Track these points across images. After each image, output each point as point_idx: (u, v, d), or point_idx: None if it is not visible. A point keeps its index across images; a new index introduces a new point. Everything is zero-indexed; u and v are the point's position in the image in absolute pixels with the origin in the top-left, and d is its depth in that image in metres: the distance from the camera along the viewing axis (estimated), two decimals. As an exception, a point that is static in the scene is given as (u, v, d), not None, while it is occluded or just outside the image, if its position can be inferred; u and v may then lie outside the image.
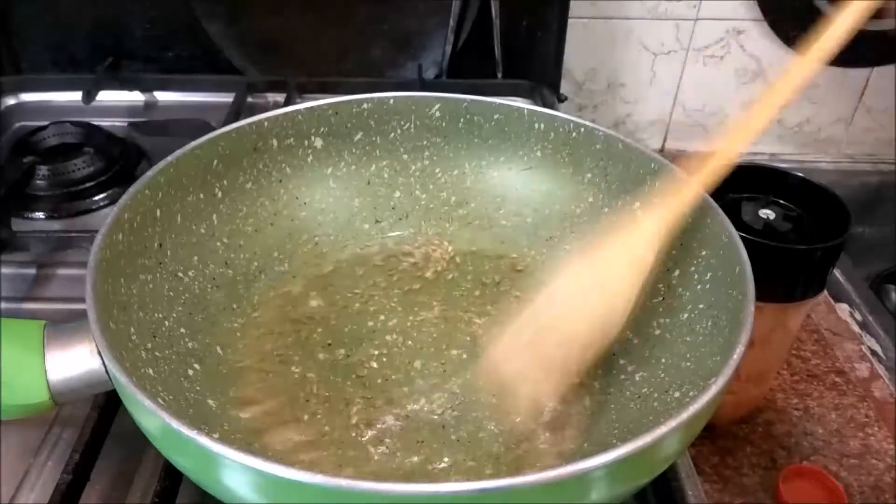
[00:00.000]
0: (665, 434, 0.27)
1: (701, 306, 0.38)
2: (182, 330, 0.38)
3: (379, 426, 0.37)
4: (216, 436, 0.29)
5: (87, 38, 0.79)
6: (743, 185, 0.47)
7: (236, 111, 0.69)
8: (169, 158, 0.40)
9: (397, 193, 0.49)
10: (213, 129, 0.43)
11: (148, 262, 0.38)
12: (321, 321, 0.43)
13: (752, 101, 0.36)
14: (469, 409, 0.38)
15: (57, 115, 0.69)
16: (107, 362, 0.30)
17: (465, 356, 0.41)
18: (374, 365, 0.40)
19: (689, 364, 0.36)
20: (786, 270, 0.44)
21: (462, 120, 0.48)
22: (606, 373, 0.39)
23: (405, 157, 0.49)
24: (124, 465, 0.40)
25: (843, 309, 0.67)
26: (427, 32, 0.77)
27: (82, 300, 0.31)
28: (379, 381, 0.39)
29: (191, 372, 0.36)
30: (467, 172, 0.49)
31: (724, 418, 0.54)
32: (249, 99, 0.73)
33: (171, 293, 0.39)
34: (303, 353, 0.41)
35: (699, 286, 0.38)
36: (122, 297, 0.35)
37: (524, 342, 0.37)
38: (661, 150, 0.92)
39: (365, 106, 0.47)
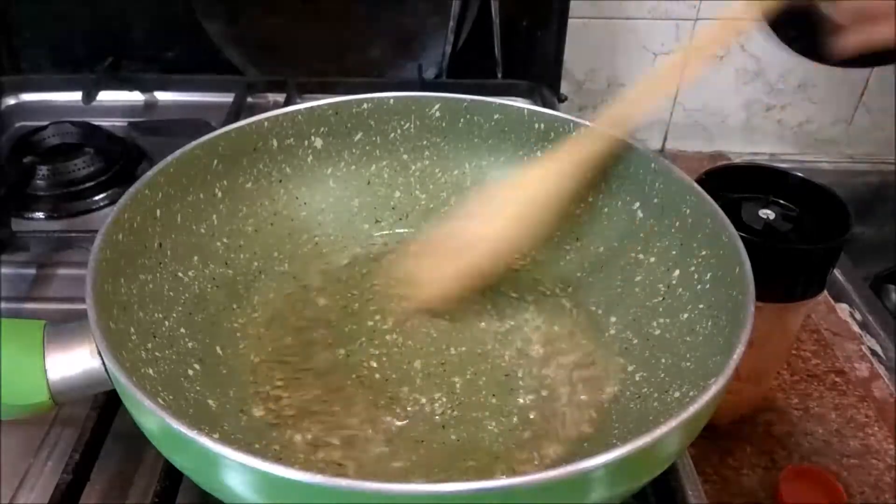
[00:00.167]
0: (665, 434, 0.27)
1: (701, 306, 0.38)
2: (182, 330, 0.38)
3: (379, 426, 0.37)
4: (216, 436, 0.29)
5: (87, 38, 0.79)
6: (743, 185, 0.47)
7: (236, 111, 0.69)
8: (169, 158, 0.40)
9: (397, 193, 0.49)
10: (213, 129, 0.43)
11: (148, 262, 0.38)
12: (321, 321, 0.43)
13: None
14: (469, 409, 0.38)
15: (57, 115, 0.69)
16: (107, 362, 0.30)
17: (465, 356, 0.41)
18: (374, 365, 0.40)
19: (689, 364, 0.36)
20: (786, 270, 0.44)
21: (462, 120, 0.48)
22: (606, 373, 0.39)
23: (405, 157, 0.49)
24: (124, 465, 0.40)
25: (843, 309, 0.67)
26: (427, 32, 0.77)
27: (82, 300, 0.31)
28: (379, 380, 0.39)
29: (191, 372, 0.36)
30: (467, 172, 0.49)
31: (724, 418, 0.54)
32: (249, 99, 0.73)
33: (171, 293, 0.39)
34: (303, 353, 0.41)
35: (699, 286, 0.38)
36: (122, 297, 0.35)
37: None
38: (661, 150, 0.92)
39: (365, 106, 0.47)
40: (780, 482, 0.49)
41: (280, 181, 0.46)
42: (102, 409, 0.39)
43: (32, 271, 0.53)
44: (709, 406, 0.28)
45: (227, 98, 0.72)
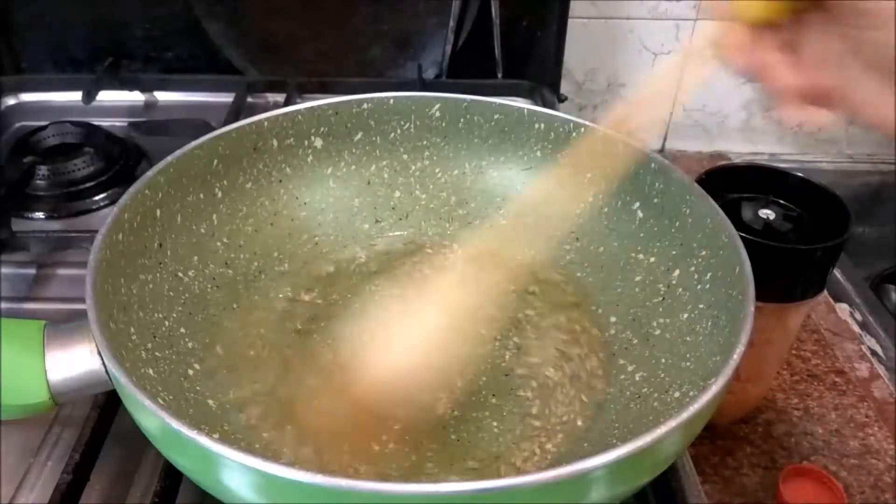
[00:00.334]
0: (665, 434, 0.27)
1: (701, 306, 0.38)
2: (182, 330, 0.38)
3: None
4: (216, 436, 0.29)
5: (87, 38, 0.79)
6: (743, 185, 0.47)
7: (236, 111, 0.69)
8: (169, 158, 0.40)
9: (397, 193, 0.49)
10: (213, 129, 0.43)
11: (148, 262, 0.38)
12: (321, 321, 0.43)
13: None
14: (469, 409, 0.38)
15: (57, 115, 0.69)
16: (107, 362, 0.30)
17: (465, 356, 0.41)
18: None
19: (689, 364, 0.36)
20: (786, 270, 0.44)
21: (462, 120, 0.48)
22: (606, 373, 0.39)
23: (405, 157, 0.49)
24: (124, 465, 0.40)
25: (843, 309, 0.67)
26: (427, 32, 0.77)
27: (82, 300, 0.31)
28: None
29: (191, 372, 0.36)
30: (467, 172, 0.49)
31: (724, 418, 0.54)
32: (249, 99, 0.73)
33: (171, 293, 0.39)
34: (303, 353, 0.41)
35: (699, 286, 0.38)
36: (122, 297, 0.35)
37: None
38: (661, 150, 0.92)
39: (365, 106, 0.47)
40: (780, 482, 0.49)
41: (280, 181, 0.46)
42: (102, 409, 0.39)
43: (32, 271, 0.53)
44: (709, 406, 0.28)
45: (227, 98, 0.72)
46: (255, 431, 0.36)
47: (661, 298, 0.40)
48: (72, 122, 0.67)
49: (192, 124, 0.68)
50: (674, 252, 0.40)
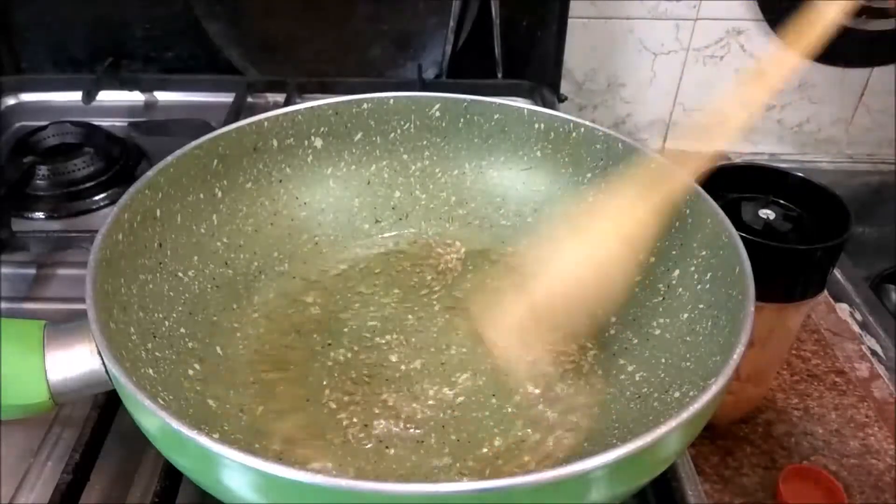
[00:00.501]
0: (665, 434, 0.27)
1: (701, 306, 0.38)
2: (182, 330, 0.38)
3: (379, 426, 0.37)
4: (216, 436, 0.29)
5: (87, 38, 0.79)
6: (743, 185, 0.47)
7: (236, 111, 0.69)
8: (169, 158, 0.40)
9: (397, 193, 0.49)
10: (213, 129, 0.43)
11: (148, 262, 0.38)
12: (321, 321, 0.43)
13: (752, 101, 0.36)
14: (469, 409, 0.38)
15: (57, 115, 0.69)
16: (107, 362, 0.30)
17: (465, 355, 0.41)
18: (375, 365, 0.40)
19: (689, 364, 0.36)
20: (786, 270, 0.44)
21: (462, 120, 0.48)
22: (606, 373, 0.39)
23: (405, 157, 0.49)
24: (124, 465, 0.40)
25: (843, 309, 0.67)
26: (427, 32, 0.77)
27: (82, 300, 0.31)
28: (379, 380, 0.39)
29: (191, 372, 0.36)
30: (467, 172, 0.49)
31: (724, 418, 0.54)
32: (249, 99, 0.73)
33: (171, 293, 0.39)
34: (303, 353, 0.41)
35: (699, 286, 0.38)
36: (122, 297, 0.35)
37: (520, 324, 0.39)
38: (661, 150, 0.92)
39: (365, 106, 0.47)
40: (780, 482, 0.49)
41: (280, 181, 0.46)
42: (102, 409, 0.39)
43: (32, 271, 0.53)
44: (709, 406, 0.28)
45: (227, 98, 0.72)
46: (256, 431, 0.36)
47: (661, 298, 0.40)
48: (72, 122, 0.67)
49: (192, 124, 0.68)
50: (674, 252, 0.40)
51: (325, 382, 0.39)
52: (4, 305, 0.50)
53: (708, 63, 0.86)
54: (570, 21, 0.75)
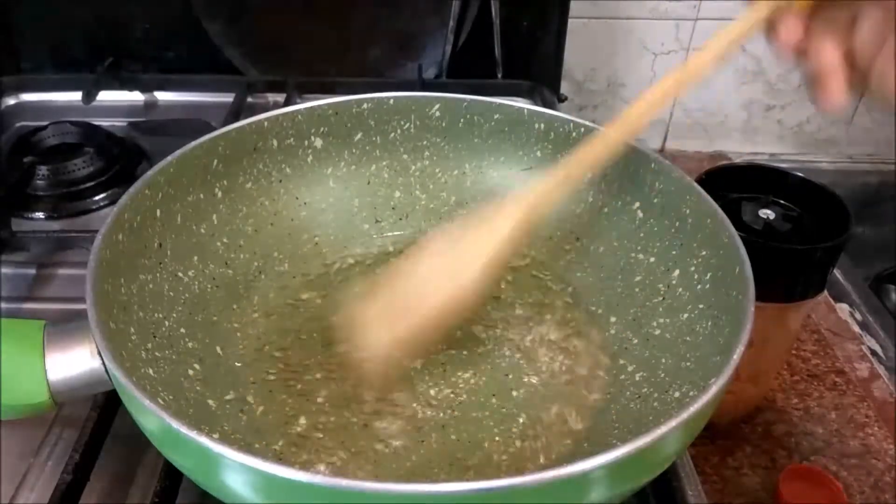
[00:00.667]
0: (665, 434, 0.27)
1: (701, 306, 0.38)
2: (182, 330, 0.38)
3: (379, 426, 0.37)
4: (216, 436, 0.29)
5: (87, 38, 0.79)
6: (743, 185, 0.47)
7: (236, 111, 0.69)
8: (169, 158, 0.40)
9: (397, 193, 0.49)
10: (213, 129, 0.43)
11: (148, 262, 0.38)
12: (321, 321, 0.43)
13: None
14: (469, 409, 0.38)
15: (57, 115, 0.69)
16: (107, 362, 0.30)
17: (465, 356, 0.41)
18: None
19: (689, 364, 0.36)
20: (786, 270, 0.44)
21: (462, 120, 0.48)
22: (606, 372, 0.39)
23: (405, 157, 0.49)
24: (124, 465, 0.40)
25: (843, 309, 0.67)
26: (427, 32, 0.77)
27: (82, 300, 0.31)
28: (379, 380, 0.39)
29: (191, 372, 0.36)
30: (467, 172, 0.49)
31: (724, 418, 0.54)
32: (249, 99, 0.73)
33: (171, 293, 0.39)
34: (303, 353, 0.41)
35: (699, 286, 0.38)
36: (122, 297, 0.35)
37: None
38: (661, 150, 0.92)
39: (365, 106, 0.47)
40: (780, 482, 0.49)
41: (280, 181, 0.46)
42: (102, 409, 0.39)
43: (32, 271, 0.53)
44: (709, 406, 0.28)
45: (227, 98, 0.72)
46: (255, 431, 0.36)
47: (661, 298, 0.40)
48: (72, 122, 0.67)
49: (192, 124, 0.68)
50: (674, 252, 0.40)
51: (324, 382, 0.39)
52: (4, 305, 0.50)
53: (708, 63, 0.85)
54: (570, 21, 0.75)
